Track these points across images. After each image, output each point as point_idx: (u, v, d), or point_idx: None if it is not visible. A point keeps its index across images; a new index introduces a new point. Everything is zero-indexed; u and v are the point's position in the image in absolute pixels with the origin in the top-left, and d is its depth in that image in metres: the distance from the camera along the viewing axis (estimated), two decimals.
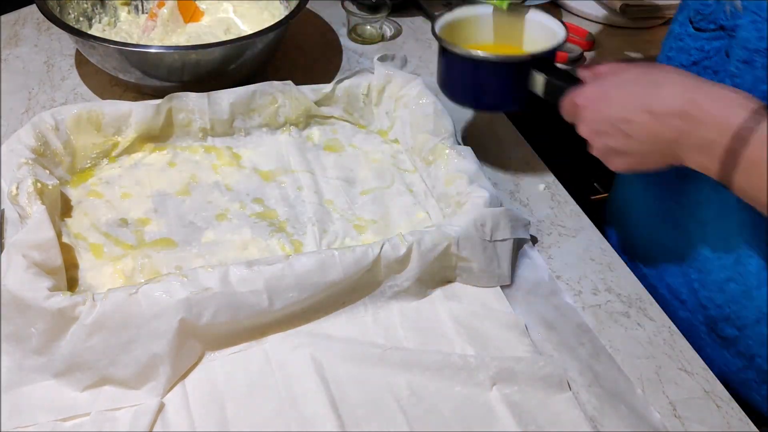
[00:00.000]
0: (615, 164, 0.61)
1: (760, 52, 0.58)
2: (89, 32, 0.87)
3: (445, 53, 0.71)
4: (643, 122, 0.56)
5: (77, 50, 0.92)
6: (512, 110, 0.73)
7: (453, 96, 0.74)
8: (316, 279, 0.57)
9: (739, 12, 0.61)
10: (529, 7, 0.75)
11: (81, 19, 0.90)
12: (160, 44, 0.89)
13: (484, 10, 0.76)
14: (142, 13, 0.95)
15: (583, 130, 0.62)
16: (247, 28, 0.95)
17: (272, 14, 0.94)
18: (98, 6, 0.91)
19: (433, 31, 0.72)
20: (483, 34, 0.76)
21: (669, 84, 0.56)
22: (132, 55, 0.78)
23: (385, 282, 0.61)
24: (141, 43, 0.90)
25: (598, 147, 0.61)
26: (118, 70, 0.80)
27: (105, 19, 0.93)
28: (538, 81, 0.67)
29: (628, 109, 0.57)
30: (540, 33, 0.74)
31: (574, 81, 0.65)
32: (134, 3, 0.94)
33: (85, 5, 0.90)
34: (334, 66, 0.94)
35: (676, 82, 0.56)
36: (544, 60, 0.68)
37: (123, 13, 0.94)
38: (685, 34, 0.68)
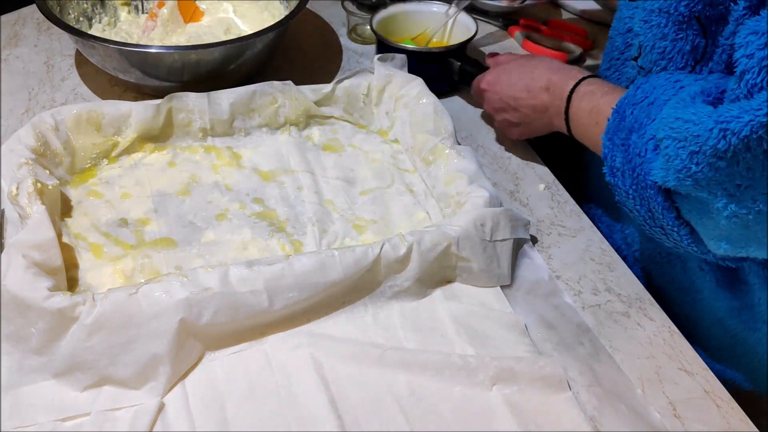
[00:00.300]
0: (513, 133, 0.80)
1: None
2: (89, 32, 0.87)
3: (382, 46, 0.89)
4: (524, 98, 0.74)
5: (77, 50, 0.92)
6: (439, 89, 0.83)
7: None
8: (316, 279, 0.57)
9: None
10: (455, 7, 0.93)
11: (81, 19, 0.90)
12: (160, 44, 0.89)
13: (415, 8, 0.95)
14: (143, 13, 0.95)
15: (487, 107, 0.81)
16: (247, 28, 0.95)
17: (272, 14, 0.95)
18: (98, 6, 0.91)
19: (371, 25, 0.89)
20: (415, 28, 0.95)
21: (539, 68, 0.74)
22: (132, 55, 0.78)
23: (385, 282, 0.61)
24: (141, 43, 0.90)
25: (498, 120, 0.80)
26: (118, 70, 0.80)
27: (105, 19, 0.93)
28: (454, 67, 0.87)
29: (515, 88, 0.75)
30: (459, 28, 0.93)
31: (481, 68, 0.85)
32: (134, 3, 0.94)
33: (85, 5, 0.90)
34: (334, 66, 0.94)
35: (543, 66, 0.74)
36: (458, 51, 0.88)
37: (123, 13, 0.94)
38: (622, 4, 0.76)
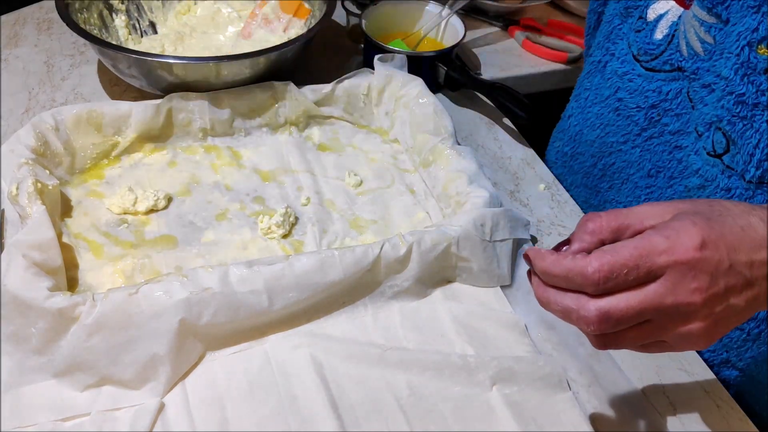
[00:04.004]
0: (721, 332, 0.43)
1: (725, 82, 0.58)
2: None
3: (370, 45, 0.88)
4: (763, 260, 0.41)
5: (77, 50, 0.92)
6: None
7: None
8: (316, 279, 0.57)
9: (701, 55, 0.61)
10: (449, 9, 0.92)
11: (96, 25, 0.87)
12: (260, 45, 0.85)
13: (408, 6, 0.94)
14: (141, 32, 0.93)
15: (696, 299, 0.40)
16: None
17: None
18: (103, 30, 0.88)
19: (360, 23, 0.88)
20: (407, 26, 0.95)
21: (739, 211, 0.42)
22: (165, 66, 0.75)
23: (385, 282, 0.61)
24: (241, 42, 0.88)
25: (708, 315, 0.41)
26: (144, 79, 0.78)
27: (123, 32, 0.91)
28: (441, 72, 0.87)
29: (746, 247, 0.41)
30: (451, 30, 0.93)
31: (470, 77, 0.85)
32: (131, 22, 0.92)
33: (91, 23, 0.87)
34: (334, 66, 0.94)
35: (734, 207, 0.43)
36: (444, 56, 0.87)
37: (122, 31, 0.90)
38: (635, 74, 0.68)
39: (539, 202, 0.76)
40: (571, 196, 0.77)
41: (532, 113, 0.81)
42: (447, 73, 0.86)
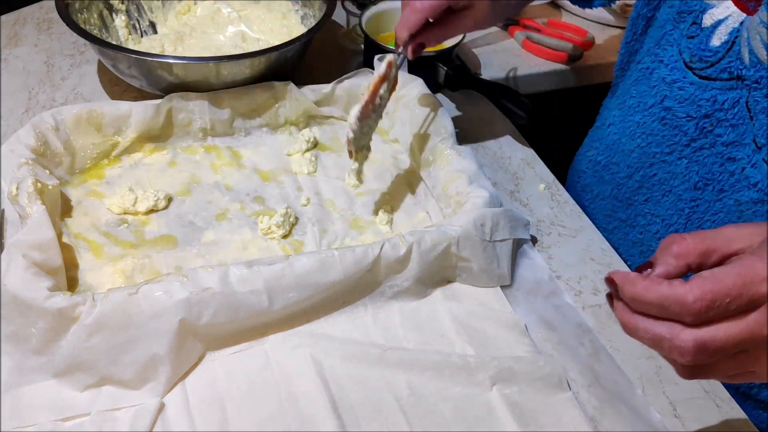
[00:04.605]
0: None
1: None
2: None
3: (370, 45, 0.88)
4: None
5: (77, 50, 0.92)
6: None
7: None
8: (316, 279, 0.57)
9: (765, 63, 0.58)
10: None
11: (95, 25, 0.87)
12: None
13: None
14: (141, 32, 0.92)
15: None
16: (260, 36, 0.93)
17: (283, 14, 0.94)
18: (103, 30, 0.88)
19: (360, 23, 0.89)
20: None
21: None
22: (166, 67, 0.75)
23: (385, 282, 0.61)
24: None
25: None
26: (144, 79, 0.78)
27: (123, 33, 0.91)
28: (441, 72, 0.87)
29: None
30: None
31: (470, 77, 0.85)
32: (131, 22, 0.92)
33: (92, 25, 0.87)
34: (334, 66, 0.94)
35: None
36: (444, 56, 0.87)
37: (122, 31, 0.90)
38: (686, 82, 0.65)
39: (539, 202, 0.76)
40: (592, 208, 0.76)
41: (532, 113, 0.81)
42: (447, 73, 0.86)
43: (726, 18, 0.61)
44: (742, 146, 0.63)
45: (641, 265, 0.42)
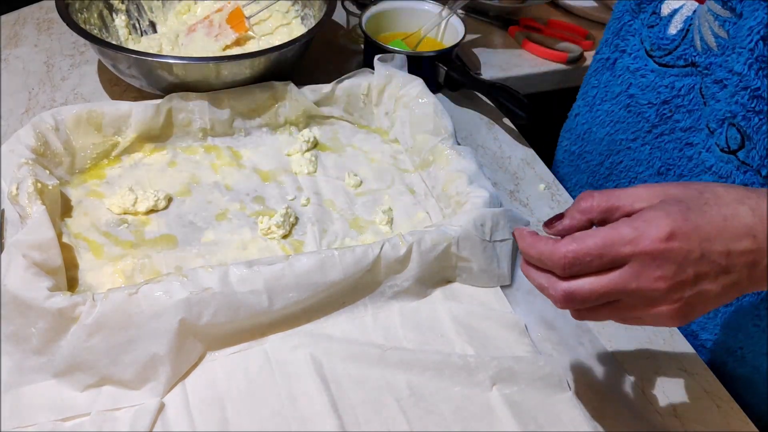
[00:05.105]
0: (696, 313, 0.44)
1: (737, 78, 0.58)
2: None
3: (370, 45, 0.88)
4: (741, 249, 0.42)
5: (77, 50, 0.92)
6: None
7: None
8: (316, 279, 0.57)
9: (714, 50, 0.61)
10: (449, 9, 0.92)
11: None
12: (196, 51, 0.87)
13: (408, 5, 0.94)
14: (141, 31, 0.93)
15: (660, 286, 0.42)
16: (261, 36, 0.93)
17: (282, 15, 0.94)
18: (103, 30, 0.88)
19: (361, 27, 0.88)
20: (407, 26, 0.95)
21: (729, 200, 0.43)
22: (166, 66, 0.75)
23: (385, 282, 0.61)
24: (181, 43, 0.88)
25: (677, 300, 0.43)
26: (145, 80, 0.78)
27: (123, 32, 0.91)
28: (441, 72, 0.87)
29: (724, 237, 0.42)
30: (451, 30, 0.92)
31: (470, 77, 0.85)
32: (131, 22, 0.91)
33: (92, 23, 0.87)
34: (334, 66, 0.94)
35: (726, 194, 0.43)
36: (444, 56, 0.87)
37: (122, 31, 0.90)
38: (647, 69, 0.68)
39: (539, 202, 0.76)
40: (576, 196, 0.77)
41: (532, 113, 0.81)
42: (447, 73, 0.86)
43: (681, 7, 0.64)
44: (698, 131, 0.65)
45: (555, 215, 0.47)
